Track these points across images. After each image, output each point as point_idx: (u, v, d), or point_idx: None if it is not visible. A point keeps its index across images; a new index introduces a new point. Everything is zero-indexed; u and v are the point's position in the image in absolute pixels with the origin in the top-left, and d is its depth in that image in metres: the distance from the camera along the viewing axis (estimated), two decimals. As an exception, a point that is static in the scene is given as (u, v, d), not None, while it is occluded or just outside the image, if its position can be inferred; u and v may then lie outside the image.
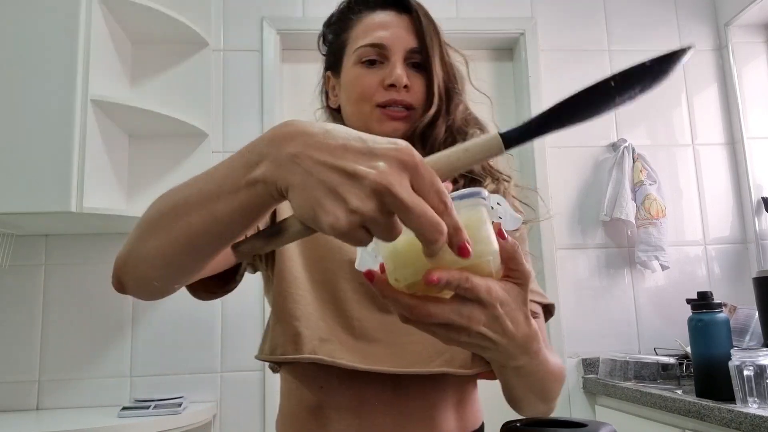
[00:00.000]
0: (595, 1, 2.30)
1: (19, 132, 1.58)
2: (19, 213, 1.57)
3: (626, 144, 2.14)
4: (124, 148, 1.96)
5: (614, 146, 2.18)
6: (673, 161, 2.23)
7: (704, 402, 1.37)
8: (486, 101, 0.92)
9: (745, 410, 1.25)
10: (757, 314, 1.76)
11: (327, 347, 0.70)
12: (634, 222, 2.08)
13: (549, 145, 2.17)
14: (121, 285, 0.60)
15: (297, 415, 0.77)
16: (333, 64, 0.89)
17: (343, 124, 0.84)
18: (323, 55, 0.93)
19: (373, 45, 0.81)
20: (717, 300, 1.45)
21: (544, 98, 2.18)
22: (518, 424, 0.63)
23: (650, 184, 2.10)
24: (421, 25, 0.83)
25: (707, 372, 1.42)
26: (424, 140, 0.81)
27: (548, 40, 2.24)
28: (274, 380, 1.92)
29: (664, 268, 2.06)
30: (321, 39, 0.93)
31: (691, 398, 1.43)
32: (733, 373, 1.32)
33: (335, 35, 0.89)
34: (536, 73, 2.20)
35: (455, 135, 0.83)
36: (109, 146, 1.80)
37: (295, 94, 2.23)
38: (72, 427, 1.51)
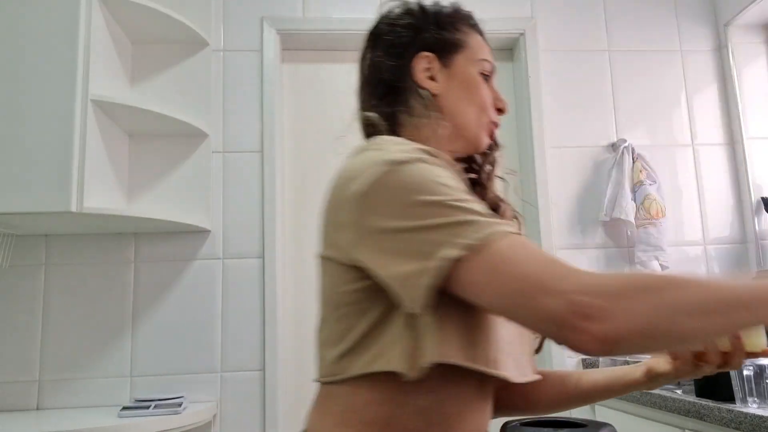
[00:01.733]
0: (595, 1, 2.30)
1: (19, 132, 1.58)
2: (19, 213, 1.57)
3: (626, 144, 2.15)
4: (124, 148, 1.96)
5: (614, 146, 2.19)
6: (672, 161, 2.23)
7: (704, 402, 1.37)
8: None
9: (744, 410, 1.25)
10: (756, 314, 1.75)
11: (502, 364, 0.74)
12: (633, 222, 2.08)
13: (549, 145, 2.17)
14: (617, 341, 0.56)
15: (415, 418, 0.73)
16: (441, 50, 0.87)
17: (425, 105, 0.84)
18: (411, 30, 0.87)
19: (491, 65, 0.90)
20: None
21: (544, 98, 2.18)
22: (518, 424, 0.63)
23: (650, 184, 2.10)
24: None
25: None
26: (476, 167, 0.92)
27: (548, 40, 2.24)
28: (274, 380, 1.92)
29: (663, 268, 2.06)
30: (416, 16, 0.89)
31: (691, 398, 1.43)
32: (732, 373, 1.32)
33: (448, 26, 0.89)
34: (536, 73, 2.20)
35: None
36: (109, 146, 1.80)
37: (295, 94, 2.24)
38: (72, 427, 1.51)
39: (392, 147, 0.71)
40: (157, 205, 1.95)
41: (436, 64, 0.86)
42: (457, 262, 0.61)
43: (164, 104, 1.96)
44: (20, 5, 1.64)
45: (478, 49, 0.89)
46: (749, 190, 2.18)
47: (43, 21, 1.63)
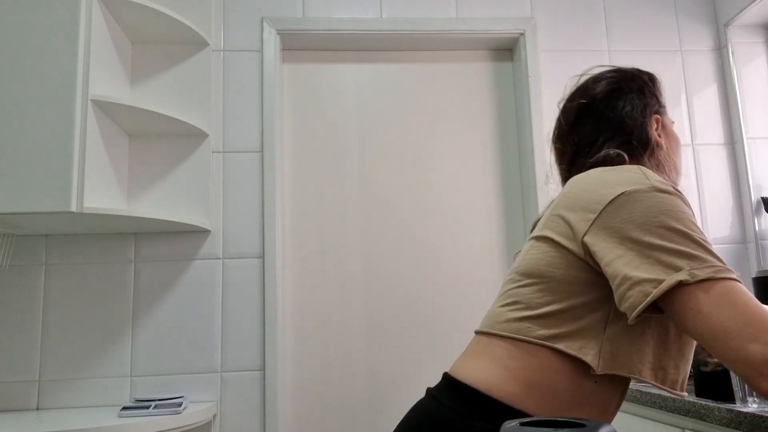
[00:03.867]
0: (595, 1, 2.30)
1: (19, 132, 1.58)
2: (19, 213, 1.57)
3: (626, 144, 2.14)
4: (124, 148, 1.96)
5: (614, 146, 2.18)
6: (672, 161, 2.23)
7: (704, 402, 1.37)
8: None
9: (744, 410, 1.25)
10: (756, 314, 1.75)
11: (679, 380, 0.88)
12: (633, 222, 2.07)
13: (550, 143, 2.17)
14: None
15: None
16: (658, 112, 1.06)
17: (650, 158, 1.02)
18: (647, 97, 1.06)
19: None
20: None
21: (544, 98, 2.18)
22: (518, 424, 0.63)
23: (650, 184, 2.10)
24: None
25: (707, 372, 1.42)
26: None
27: (548, 40, 2.24)
28: (274, 380, 1.92)
29: (663, 268, 2.06)
30: (650, 85, 1.08)
31: (691, 398, 1.43)
32: (732, 373, 1.32)
33: (659, 94, 1.08)
34: (536, 73, 2.20)
35: None
36: (109, 146, 1.80)
37: (295, 94, 2.24)
38: (72, 427, 1.51)
39: (653, 176, 0.84)
40: (157, 205, 1.95)
41: (660, 124, 1.06)
42: (684, 286, 0.73)
43: (164, 104, 1.96)
44: (20, 5, 1.64)
45: (668, 116, 1.09)
46: (749, 190, 2.18)
47: (43, 21, 1.63)
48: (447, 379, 0.90)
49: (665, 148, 1.05)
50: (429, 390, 0.92)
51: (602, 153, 1.00)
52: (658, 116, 1.07)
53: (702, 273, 0.73)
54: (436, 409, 0.86)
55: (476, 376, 0.85)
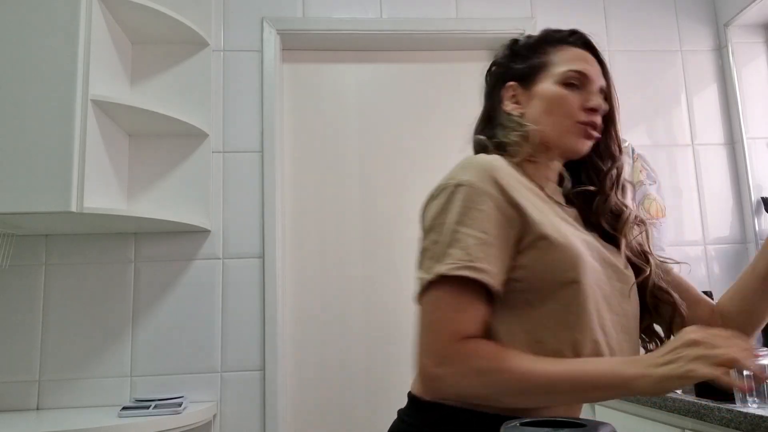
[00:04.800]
0: (595, 2, 2.30)
1: (19, 132, 1.58)
2: (19, 213, 1.57)
3: (626, 144, 2.14)
4: (125, 148, 1.96)
5: (614, 146, 2.18)
6: (672, 161, 2.23)
7: (704, 402, 1.37)
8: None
9: (744, 410, 1.25)
10: (756, 314, 1.75)
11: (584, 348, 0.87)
12: (633, 222, 2.07)
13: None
14: (440, 392, 0.81)
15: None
16: (524, 77, 1.00)
17: (517, 127, 0.97)
18: (502, 68, 1.05)
19: (578, 71, 0.97)
20: (717, 300, 1.45)
21: (544, 98, 2.18)
22: (518, 424, 0.63)
23: (650, 184, 2.10)
24: (608, 76, 1.02)
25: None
26: (608, 175, 1.00)
27: (548, 40, 2.24)
28: (274, 380, 1.92)
29: (663, 268, 2.06)
30: (506, 54, 1.05)
31: (691, 398, 1.43)
32: (732, 372, 1.32)
33: (531, 54, 1.01)
34: (536, 73, 2.20)
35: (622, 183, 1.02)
36: (109, 146, 1.80)
37: (295, 94, 2.24)
38: (72, 427, 1.51)
39: (470, 166, 0.88)
40: (157, 205, 1.95)
41: (520, 90, 1.01)
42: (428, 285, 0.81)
43: (164, 104, 1.96)
44: (20, 5, 1.64)
45: (561, 63, 0.98)
46: (749, 190, 2.18)
47: (43, 21, 1.63)
48: (408, 394, 0.93)
49: (528, 113, 0.98)
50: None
51: (473, 144, 1.04)
52: (513, 83, 1.01)
53: (429, 272, 0.81)
54: (395, 426, 0.90)
55: (416, 384, 0.90)
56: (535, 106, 0.97)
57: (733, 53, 2.26)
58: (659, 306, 1.02)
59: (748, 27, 2.27)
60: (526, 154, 0.96)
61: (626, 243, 0.98)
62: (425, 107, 2.25)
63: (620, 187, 1.00)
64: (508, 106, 1.00)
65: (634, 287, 0.96)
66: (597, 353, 0.83)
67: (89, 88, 1.64)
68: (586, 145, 0.97)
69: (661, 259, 1.08)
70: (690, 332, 0.74)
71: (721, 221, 2.21)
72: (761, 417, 1.19)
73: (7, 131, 1.58)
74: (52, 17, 1.63)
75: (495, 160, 0.89)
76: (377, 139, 2.23)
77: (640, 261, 1.01)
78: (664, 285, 1.02)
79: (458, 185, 0.86)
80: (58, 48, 1.62)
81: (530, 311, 0.83)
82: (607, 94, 1.00)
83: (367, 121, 2.24)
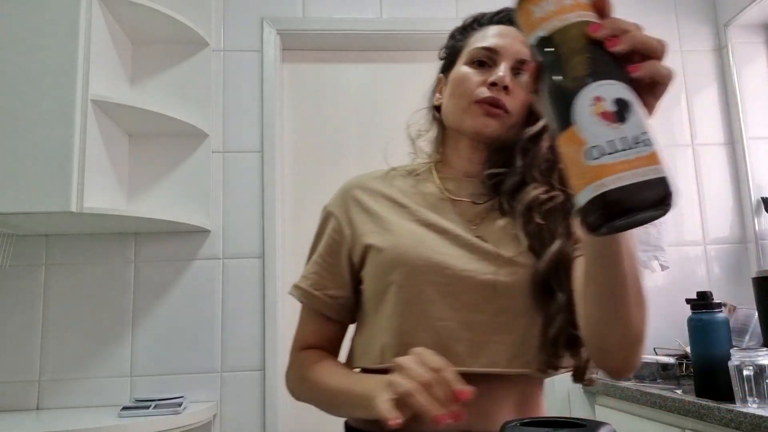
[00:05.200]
0: (595, 1, 2.30)
1: (19, 132, 1.58)
2: (19, 213, 1.57)
3: (626, 144, 2.14)
4: (125, 148, 1.96)
5: (614, 146, 2.18)
6: (672, 161, 2.23)
7: (704, 402, 1.37)
8: None
9: (744, 410, 1.25)
10: (756, 314, 1.75)
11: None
12: (633, 222, 2.07)
13: (549, 145, 2.17)
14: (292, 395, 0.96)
15: None
16: (447, 66, 0.95)
17: (441, 121, 0.94)
18: (440, 59, 0.99)
19: (484, 48, 0.87)
20: (717, 300, 1.45)
21: (544, 98, 2.18)
22: (517, 424, 0.63)
23: (650, 184, 2.10)
24: None
25: (707, 372, 1.42)
26: (525, 152, 0.85)
27: (548, 40, 2.24)
28: (274, 380, 1.92)
29: (663, 268, 2.06)
30: (444, 48, 1.00)
31: (691, 398, 1.43)
32: (732, 373, 1.32)
33: (456, 41, 0.95)
34: (536, 73, 2.20)
35: (552, 160, 0.84)
36: (109, 146, 1.80)
37: (295, 94, 2.24)
38: (72, 427, 1.51)
39: (338, 191, 0.99)
40: (157, 205, 1.95)
41: (443, 80, 0.96)
42: None
43: (164, 104, 1.96)
44: (20, 5, 1.64)
45: (474, 43, 0.90)
46: (749, 190, 2.18)
47: (43, 21, 1.63)
48: None
49: (444, 103, 0.91)
50: None
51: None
52: (441, 75, 0.96)
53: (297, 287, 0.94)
54: None
55: None
56: (445, 93, 0.92)
57: (733, 53, 2.26)
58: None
59: (748, 27, 2.27)
60: (439, 151, 0.95)
61: (525, 226, 0.81)
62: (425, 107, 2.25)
63: (537, 166, 0.83)
64: (436, 98, 0.97)
65: (513, 282, 0.79)
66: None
67: (89, 88, 1.64)
68: (489, 125, 0.84)
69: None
70: (405, 357, 0.70)
71: (721, 221, 2.21)
72: (761, 417, 1.19)
73: (6, 131, 1.58)
74: (52, 17, 1.63)
75: (357, 179, 0.94)
76: (377, 139, 2.23)
77: (541, 248, 0.80)
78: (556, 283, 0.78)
79: (323, 210, 0.98)
80: (57, 48, 1.62)
81: (372, 318, 0.85)
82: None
83: (367, 121, 2.24)
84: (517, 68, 0.85)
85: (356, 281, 0.90)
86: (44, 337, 1.87)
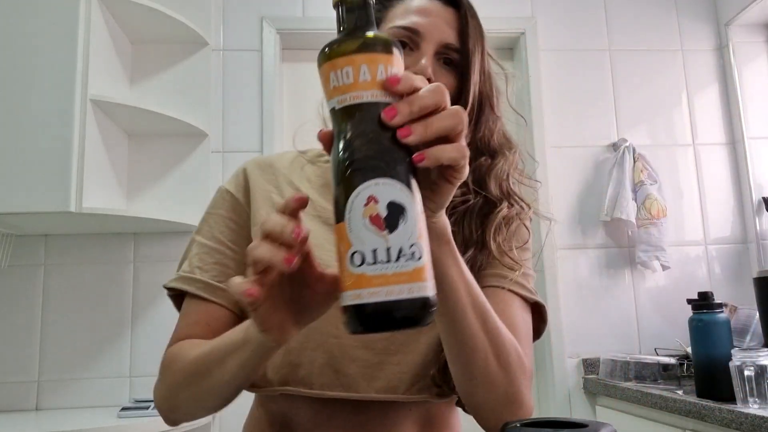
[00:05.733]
0: (596, 1, 2.30)
1: (19, 132, 1.58)
2: (18, 213, 1.57)
3: (627, 144, 2.14)
4: (124, 147, 1.95)
5: (615, 146, 2.18)
6: (673, 161, 2.22)
7: (705, 402, 1.37)
8: (520, 122, 0.88)
9: (745, 410, 1.24)
10: (757, 314, 1.75)
11: (298, 374, 0.69)
12: (634, 222, 2.07)
13: (549, 144, 2.16)
14: (174, 422, 0.72)
15: (261, 428, 0.78)
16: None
17: None
18: None
19: (405, 28, 0.74)
20: (717, 300, 1.45)
21: (545, 98, 2.18)
22: (518, 425, 0.62)
23: (651, 184, 2.10)
24: (467, 23, 0.78)
25: (708, 372, 1.42)
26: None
27: (548, 40, 2.24)
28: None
29: (664, 268, 2.06)
30: None
31: (692, 398, 1.42)
32: (733, 373, 1.32)
33: (375, 11, 0.83)
34: (536, 73, 2.20)
35: (484, 152, 0.76)
36: (108, 146, 1.79)
37: (295, 94, 2.23)
38: (71, 428, 1.51)
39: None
40: (156, 205, 1.95)
41: None
42: None
43: (164, 104, 1.95)
44: (20, 5, 1.64)
45: (393, 18, 0.76)
46: (750, 190, 2.18)
47: (42, 21, 1.63)
48: None
49: None
50: None
51: None
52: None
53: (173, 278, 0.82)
54: None
55: None
56: None
57: (734, 53, 2.25)
58: None
59: (749, 26, 2.27)
60: None
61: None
62: (425, 107, 2.24)
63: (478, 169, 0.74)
64: None
65: None
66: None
67: (88, 88, 1.64)
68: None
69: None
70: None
71: (722, 221, 2.20)
72: (762, 417, 1.18)
73: (6, 131, 1.58)
74: (51, 17, 1.63)
75: (263, 160, 0.82)
76: (377, 139, 2.23)
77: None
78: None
79: (217, 192, 0.83)
80: (57, 48, 1.62)
81: None
82: (462, 52, 0.76)
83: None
84: (442, 53, 0.75)
85: None
86: (43, 338, 1.87)
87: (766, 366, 1.27)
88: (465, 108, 0.67)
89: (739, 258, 2.18)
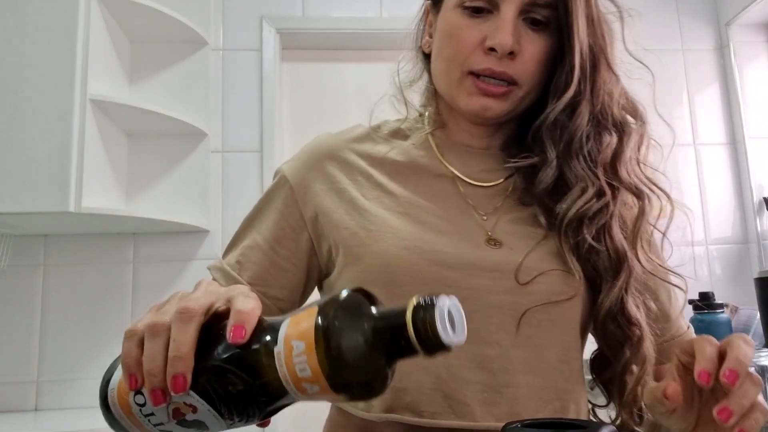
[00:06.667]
0: (596, 1, 2.29)
1: (18, 132, 1.57)
2: (17, 213, 1.56)
3: (627, 144, 2.13)
4: (123, 147, 1.95)
5: (615, 146, 2.18)
6: (674, 161, 2.22)
7: (706, 403, 1.36)
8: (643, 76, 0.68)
9: (747, 411, 1.24)
10: (758, 315, 1.75)
11: (404, 400, 0.59)
12: (635, 222, 2.07)
13: (549, 144, 2.16)
14: None
15: None
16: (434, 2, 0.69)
17: (430, 75, 0.72)
18: None
19: None
20: (718, 300, 1.45)
21: (545, 98, 2.17)
22: (519, 425, 0.61)
23: (651, 184, 2.09)
24: None
25: (709, 373, 1.41)
26: (556, 133, 0.62)
27: (549, 39, 2.23)
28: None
29: (665, 268, 2.05)
30: None
31: (693, 399, 1.42)
32: (734, 373, 1.31)
33: None
34: (537, 72, 2.19)
35: (606, 127, 0.64)
36: (108, 146, 1.79)
37: (295, 94, 2.23)
38: (71, 428, 1.50)
39: (304, 149, 0.77)
40: (155, 205, 1.94)
41: (431, 15, 0.70)
42: None
43: (163, 104, 1.95)
44: (19, 5, 1.63)
45: None
46: (751, 190, 2.17)
47: (42, 21, 1.62)
48: None
49: (433, 59, 0.69)
50: None
51: None
52: (429, 2, 0.71)
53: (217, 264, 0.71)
54: None
55: None
56: (435, 45, 0.68)
57: (734, 52, 2.25)
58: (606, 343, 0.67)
59: (750, 26, 2.26)
60: (435, 117, 0.70)
61: (576, 249, 0.62)
62: (425, 107, 2.24)
63: (579, 154, 0.62)
64: (425, 41, 0.71)
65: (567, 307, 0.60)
66: None
67: (88, 88, 1.63)
68: (489, 108, 0.63)
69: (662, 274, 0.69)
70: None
71: (723, 221, 2.20)
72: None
73: (5, 131, 1.57)
74: (50, 16, 1.62)
75: (328, 140, 0.72)
76: (377, 139, 2.23)
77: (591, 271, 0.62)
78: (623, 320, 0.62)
79: (277, 173, 0.72)
80: (56, 47, 1.61)
81: None
82: (563, 17, 0.61)
83: (367, 121, 2.23)
84: (527, 11, 0.62)
85: (310, 282, 0.70)
86: (42, 338, 1.87)
87: (766, 366, 1.27)
88: (572, 74, 0.59)
89: (739, 258, 2.17)
